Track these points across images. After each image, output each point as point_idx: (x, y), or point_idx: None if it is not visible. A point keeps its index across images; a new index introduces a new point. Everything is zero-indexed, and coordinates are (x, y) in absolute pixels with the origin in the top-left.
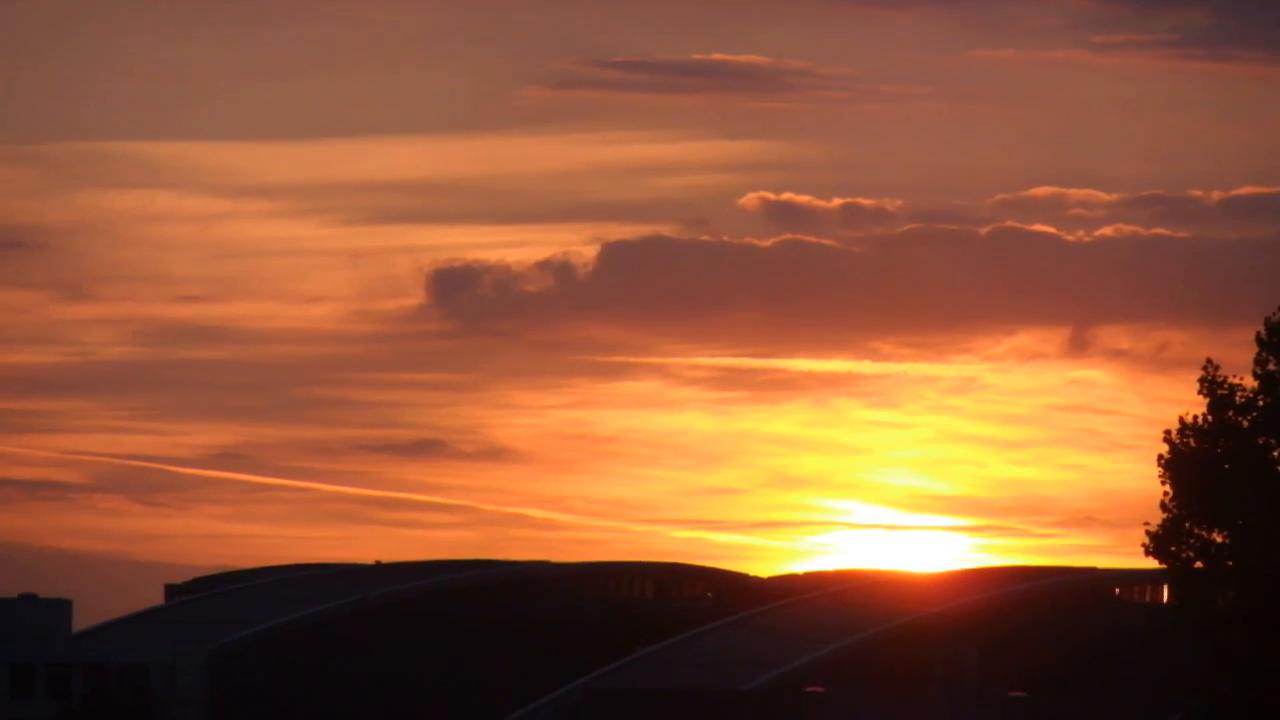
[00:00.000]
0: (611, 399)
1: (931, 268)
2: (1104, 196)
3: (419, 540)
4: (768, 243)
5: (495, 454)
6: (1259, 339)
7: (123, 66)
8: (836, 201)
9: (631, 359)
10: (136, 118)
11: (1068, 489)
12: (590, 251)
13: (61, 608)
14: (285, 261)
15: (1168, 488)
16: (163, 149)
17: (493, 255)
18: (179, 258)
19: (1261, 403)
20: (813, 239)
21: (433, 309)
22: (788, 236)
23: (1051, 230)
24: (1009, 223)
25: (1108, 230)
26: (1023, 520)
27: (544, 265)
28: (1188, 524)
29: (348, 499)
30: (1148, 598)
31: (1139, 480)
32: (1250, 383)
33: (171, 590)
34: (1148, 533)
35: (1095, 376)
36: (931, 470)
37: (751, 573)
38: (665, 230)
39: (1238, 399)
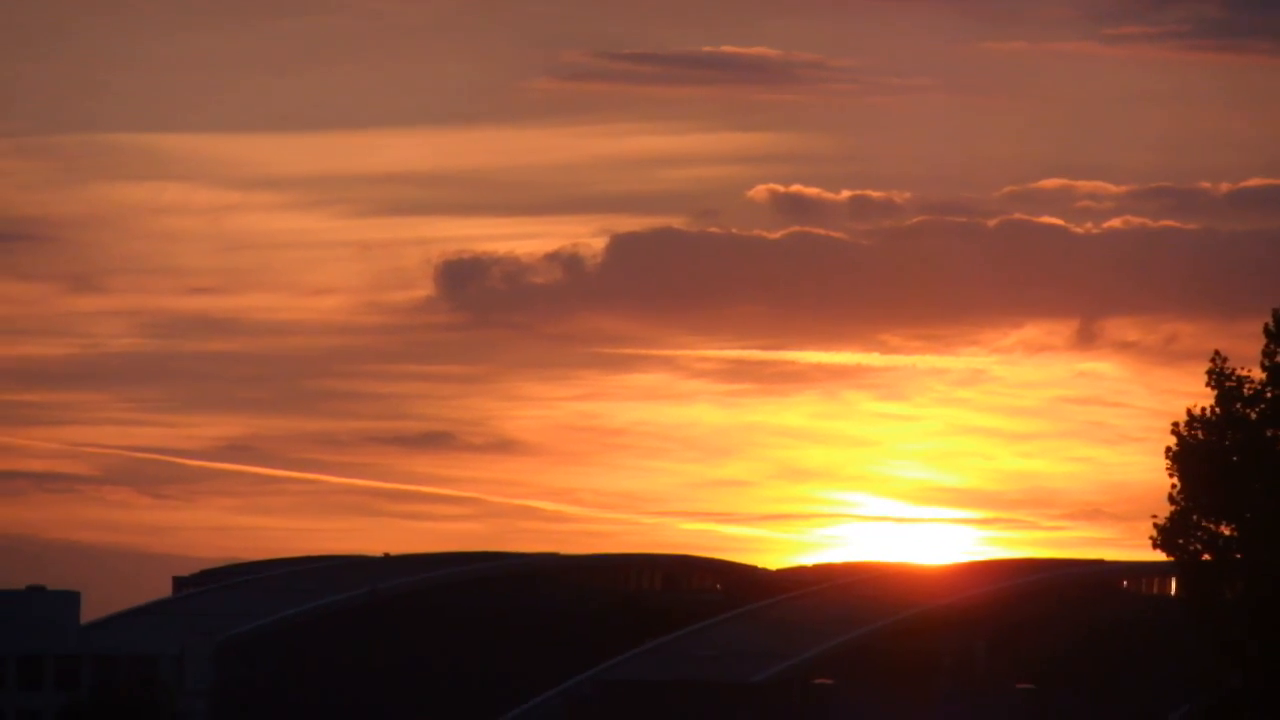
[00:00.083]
0: (620, 391)
1: (940, 260)
2: (1112, 188)
3: (428, 532)
4: (776, 235)
5: (504, 446)
6: (1267, 331)
7: (132, 58)
8: (845, 194)
9: (640, 351)
10: (146, 110)
11: (1076, 481)
12: (599, 243)
13: (70, 600)
14: (294, 253)
15: (1176, 480)
16: (172, 141)
17: (502, 247)
18: (188, 249)
19: (1269, 395)
20: (821, 231)
21: (442, 301)
22: (796, 229)
23: (1060, 222)
24: (1017, 215)
25: (1116, 222)
26: (1031, 512)
27: (553, 257)
28: (1195, 516)
29: (357, 491)
30: (1155, 590)
31: (1147, 472)
32: (1258, 375)
33: (180, 582)
34: (1155, 525)
35: (1103, 369)
36: (940, 462)
37: (760, 565)
38: (674, 222)
39: (1246, 391)
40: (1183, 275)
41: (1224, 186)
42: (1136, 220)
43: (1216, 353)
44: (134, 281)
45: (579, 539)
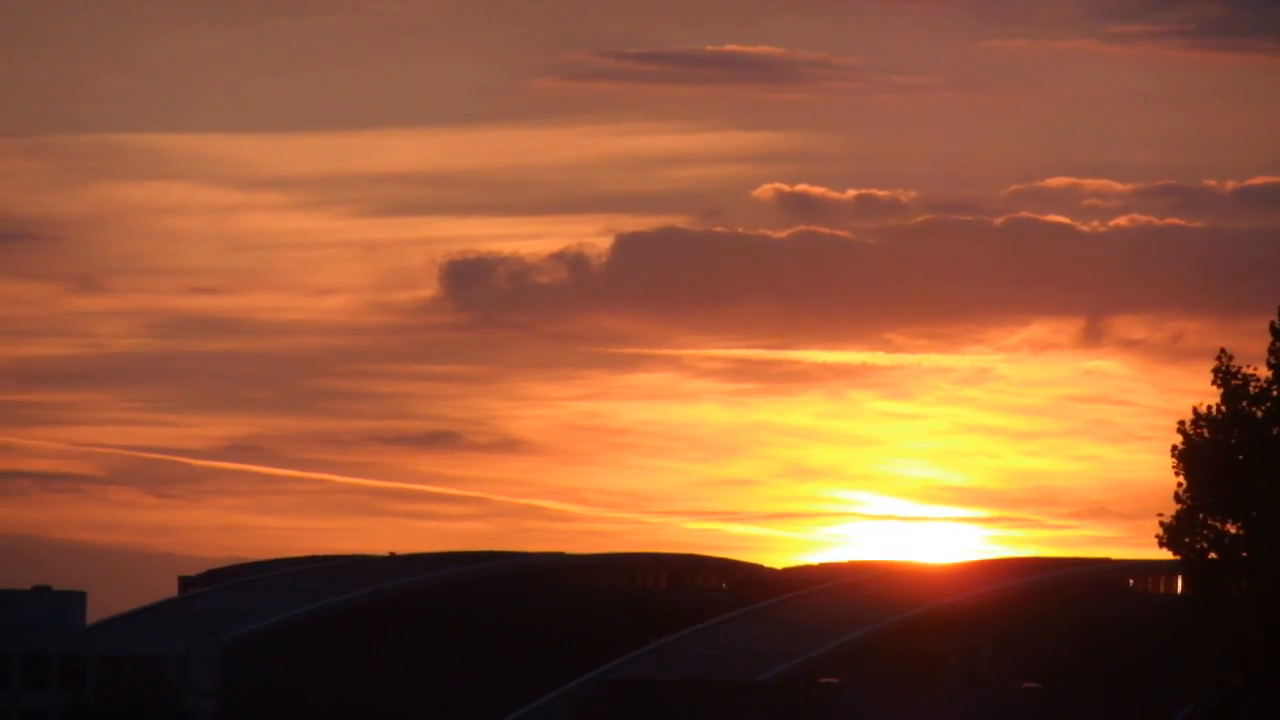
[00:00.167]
0: (625, 390)
1: (945, 259)
2: (1118, 187)
3: (433, 532)
4: (782, 234)
5: (509, 445)
6: (1273, 328)
7: (135, 59)
8: (850, 193)
9: (645, 350)
10: (149, 110)
11: (1081, 480)
12: (604, 243)
13: (75, 600)
14: (299, 253)
15: (1181, 478)
16: (175, 141)
17: (506, 247)
18: (192, 249)
19: (1275, 393)
20: (827, 230)
21: (446, 301)
22: (801, 228)
23: (1066, 220)
24: (1023, 213)
25: (1122, 220)
26: (1036, 511)
27: (558, 257)
28: (1201, 515)
29: (361, 490)
30: (1161, 589)
31: (1153, 471)
32: (1264, 373)
33: (185, 582)
34: (1161, 524)
35: (1109, 367)
36: (945, 461)
37: (766, 564)
38: (679, 222)
39: (1251, 389)
40: (1188, 273)
41: (1229, 185)
42: (1142, 218)
43: (1222, 350)
44: (138, 281)
45: (584, 538)
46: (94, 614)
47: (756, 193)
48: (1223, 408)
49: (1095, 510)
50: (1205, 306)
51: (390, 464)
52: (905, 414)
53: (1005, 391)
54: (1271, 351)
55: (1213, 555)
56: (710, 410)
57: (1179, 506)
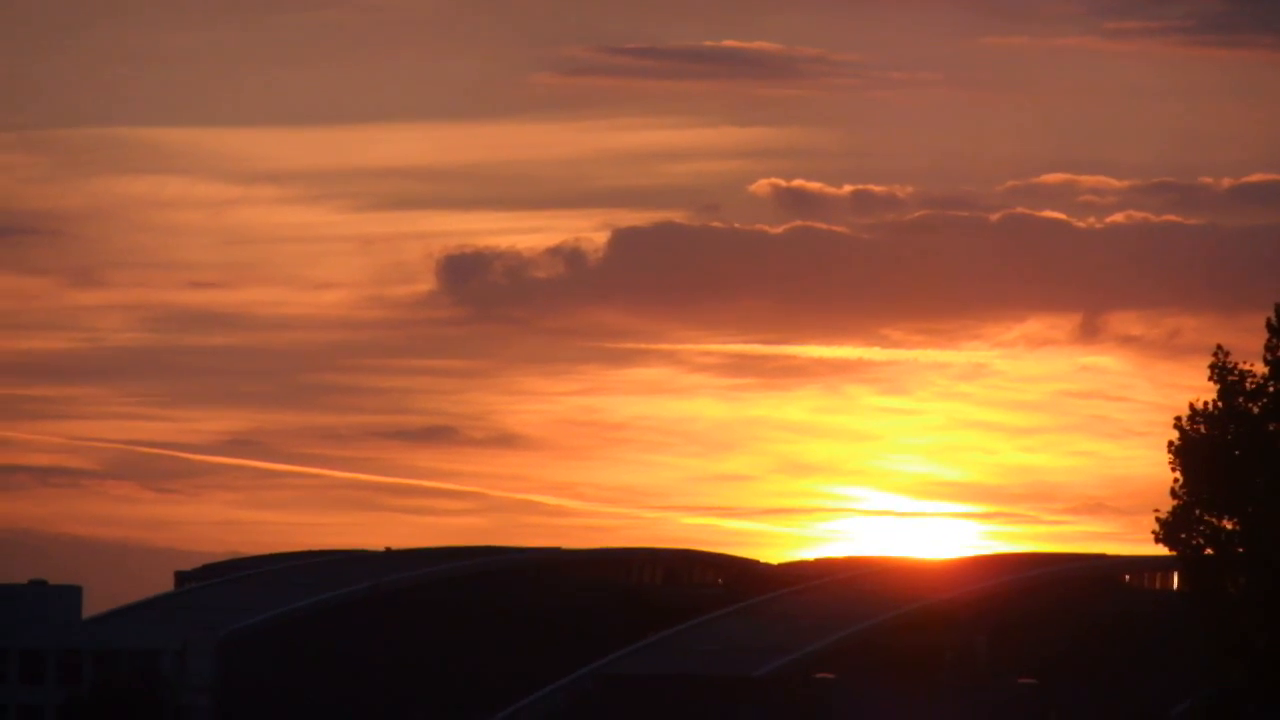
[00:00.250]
0: (622, 385)
1: (942, 254)
2: (1115, 183)
3: (430, 527)
4: (779, 229)
5: (506, 440)
6: (1270, 325)
7: (134, 53)
8: (847, 188)
9: (642, 345)
10: (148, 104)
11: (1078, 475)
12: (601, 238)
13: (72, 594)
14: (296, 248)
15: (1178, 474)
16: (174, 135)
17: (504, 242)
18: (190, 243)
19: (1272, 389)
20: (823, 225)
21: (444, 295)
22: (798, 223)
23: (1062, 217)
24: (1020, 209)
25: (1119, 217)
26: (1033, 507)
27: (555, 252)
28: (1198, 511)
29: (358, 485)
30: (1158, 584)
31: (1149, 467)
32: (1261, 369)
33: (182, 577)
34: (1158, 519)
35: (1106, 363)
36: (942, 457)
37: (762, 559)
38: (676, 217)
39: (1248, 385)
40: (1185, 270)
41: (1226, 181)
42: (1139, 215)
43: (1219, 347)
44: (136, 275)
45: (580, 533)
46: (91, 608)
47: (753, 188)
48: (1219, 404)
49: (1092, 506)
50: (1202, 303)
51: (387, 459)
52: (902, 409)
53: (1002, 387)
54: (1268, 348)
55: (1209, 551)
56: (706, 405)
57: (1176, 502)
